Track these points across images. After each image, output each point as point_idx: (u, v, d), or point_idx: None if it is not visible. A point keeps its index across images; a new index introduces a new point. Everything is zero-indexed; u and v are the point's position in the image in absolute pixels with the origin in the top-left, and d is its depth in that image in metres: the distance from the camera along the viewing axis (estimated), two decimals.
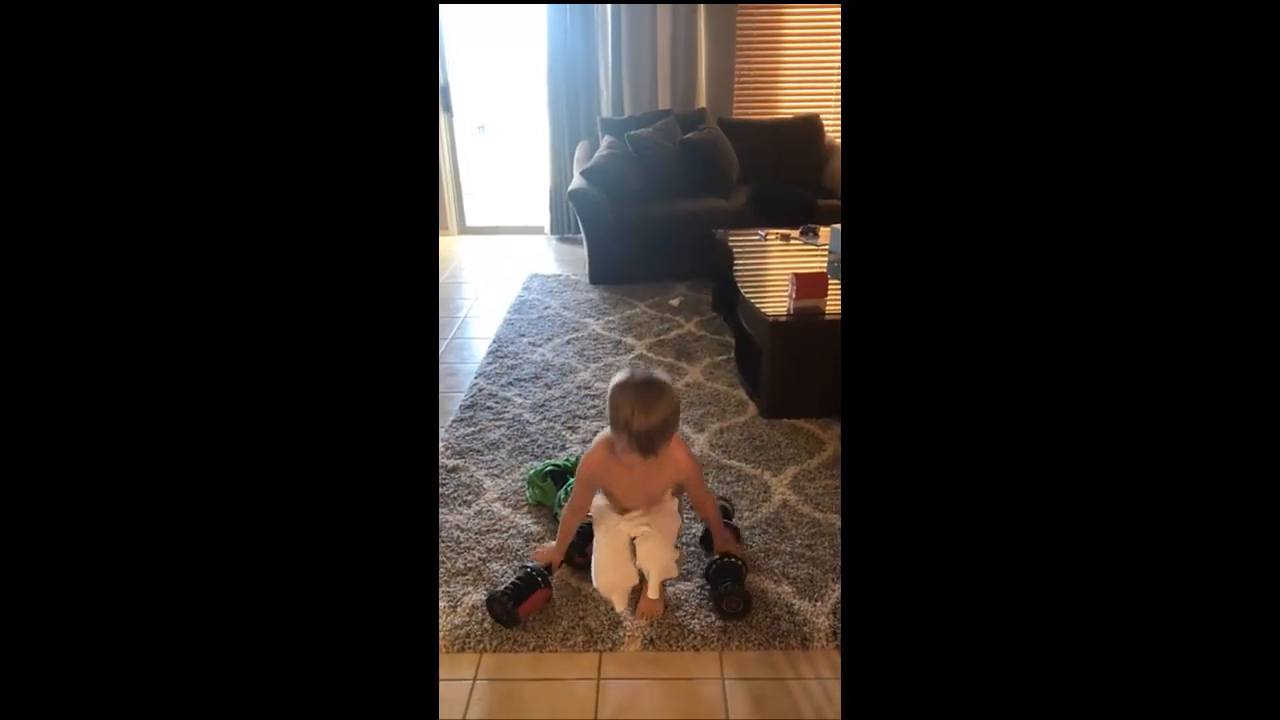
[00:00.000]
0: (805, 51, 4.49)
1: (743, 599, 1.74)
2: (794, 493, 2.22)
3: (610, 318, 3.47)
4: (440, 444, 2.48)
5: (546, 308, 3.58)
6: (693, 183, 3.97)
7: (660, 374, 1.68)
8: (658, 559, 1.74)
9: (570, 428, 2.57)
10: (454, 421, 2.62)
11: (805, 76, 4.54)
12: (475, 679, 1.62)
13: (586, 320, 3.44)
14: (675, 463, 1.71)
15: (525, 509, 2.15)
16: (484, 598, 1.78)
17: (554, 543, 1.87)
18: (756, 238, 3.38)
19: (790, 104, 4.58)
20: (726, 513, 2.04)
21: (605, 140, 4.07)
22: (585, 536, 1.88)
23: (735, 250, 3.20)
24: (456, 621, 1.75)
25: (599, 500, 1.82)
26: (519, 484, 2.25)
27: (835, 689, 1.59)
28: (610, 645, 1.69)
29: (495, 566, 1.92)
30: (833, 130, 4.44)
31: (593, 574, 1.79)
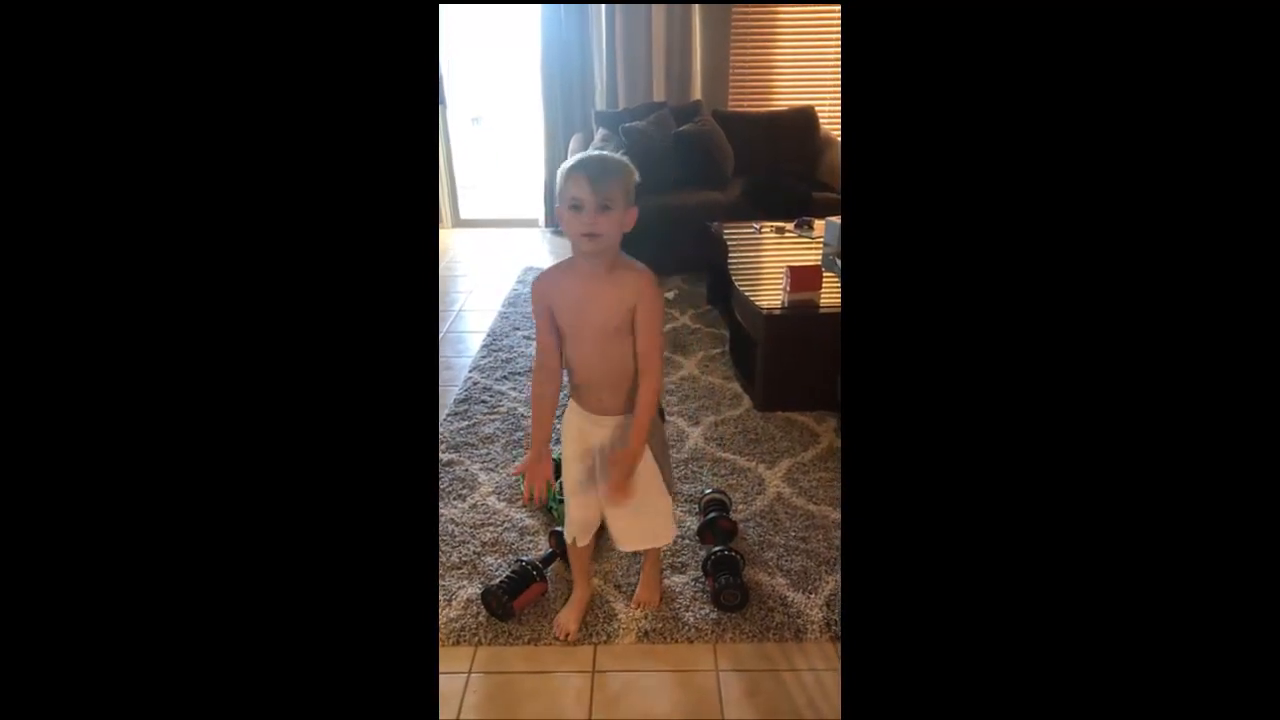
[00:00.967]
0: (800, 44, 4.48)
1: (740, 592, 1.75)
2: (788, 485, 2.22)
3: None
4: None
5: None
6: (688, 175, 3.96)
7: None
8: (637, 533, 1.61)
9: None
10: (448, 415, 2.61)
11: (800, 69, 4.54)
12: (470, 672, 1.62)
13: None
14: (629, 275, 1.39)
15: (520, 503, 2.15)
16: (479, 591, 1.78)
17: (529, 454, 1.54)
18: (751, 230, 3.38)
19: (785, 96, 4.57)
20: (722, 505, 2.05)
21: (600, 133, 4.06)
22: (525, 578, 1.76)
23: (730, 243, 3.20)
24: (451, 615, 1.75)
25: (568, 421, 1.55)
26: (514, 478, 2.25)
27: (829, 680, 1.60)
28: (605, 638, 1.70)
29: (490, 560, 1.92)
30: (828, 123, 4.44)
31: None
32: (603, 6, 4.21)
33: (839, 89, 4.52)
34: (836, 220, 3.13)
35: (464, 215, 5.00)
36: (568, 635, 1.68)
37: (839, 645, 1.68)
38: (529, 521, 2.07)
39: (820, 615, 1.74)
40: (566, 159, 1.39)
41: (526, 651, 1.67)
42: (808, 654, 1.66)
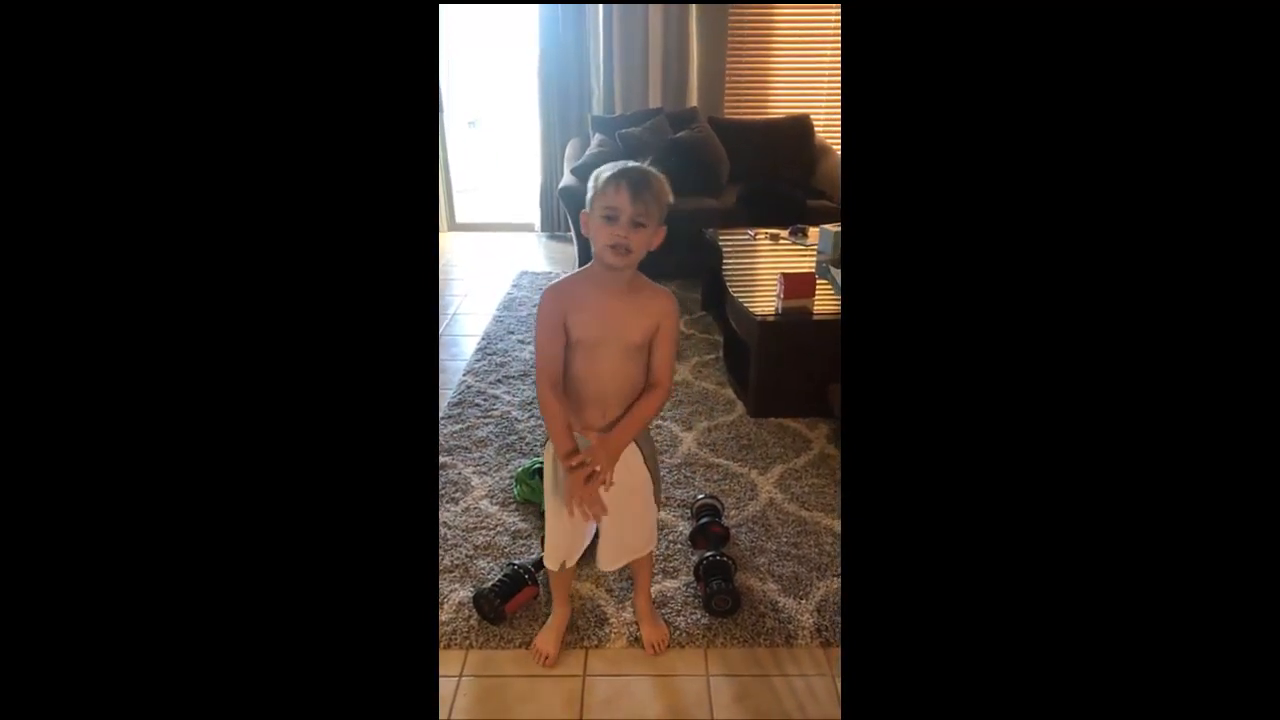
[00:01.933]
0: (797, 52, 4.51)
1: (732, 597, 1.76)
2: (780, 491, 2.23)
3: None
4: None
5: (536, 305, 3.57)
6: (683, 182, 3.94)
7: None
8: (626, 547, 1.57)
9: None
10: (442, 418, 2.61)
11: (796, 77, 4.56)
12: (461, 675, 1.63)
13: None
14: (655, 297, 1.39)
15: (513, 506, 2.16)
16: (471, 595, 1.79)
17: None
18: (746, 237, 3.39)
19: (781, 104, 4.59)
20: (715, 510, 2.05)
21: (596, 138, 4.08)
22: (517, 582, 1.76)
23: (724, 249, 3.21)
24: (443, 618, 1.75)
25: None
26: (507, 481, 2.26)
27: (819, 685, 1.61)
28: (596, 642, 1.70)
29: (482, 564, 1.93)
30: (823, 131, 4.46)
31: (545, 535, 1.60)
32: (600, 10, 4.23)
33: (834, 97, 4.55)
34: (830, 228, 3.14)
35: (459, 219, 5.00)
36: (547, 659, 1.64)
37: (829, 651, 1.68)
38: (521, 525, 2.07)
39: (811, 621, 1.75)
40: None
41: (518, 655, 1.67)
42: (798, 659, 1.67)
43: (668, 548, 1.99)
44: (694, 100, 4.43)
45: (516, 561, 1.85)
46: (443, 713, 1.54)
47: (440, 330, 3.41)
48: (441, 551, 1.97)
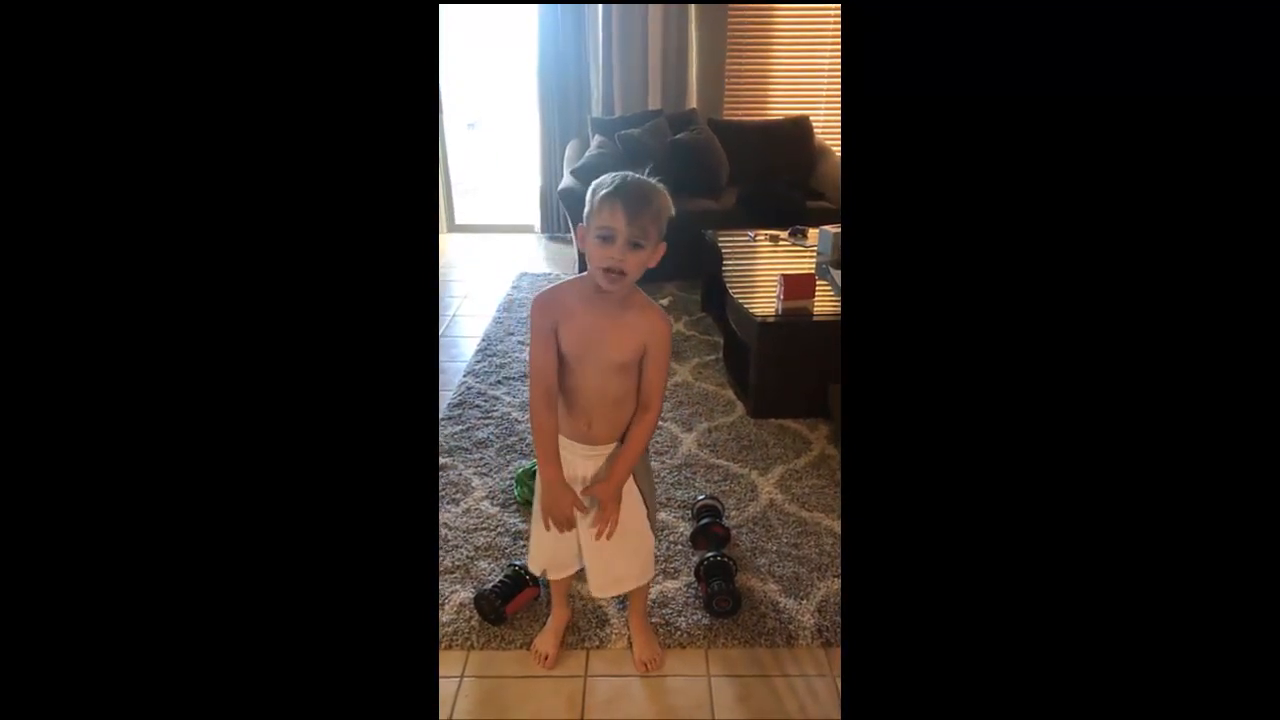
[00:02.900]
0: (796, 53, 4.51)
1: (733, 598, 1.76)
2: (781, 492, 2.23)
3: None
4: None
5: None
6: (682, 183, 3.97)
7: None
8: (617, 576, 1.55)
9: None
10: (443, 419, 2.62)
11: (796, 78, 4.57)
12: (463, 676, 1.63)
13: None
14: (645, 316, 1.33)
15: (513, 508, 2.16)
16: (471, 596, 1.79)
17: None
18: (745, 238, 3.39)
19: (780, 105, 4.60)
20: (715, 511, 2.05)
21: (596, 140, 4.08)
22: (517, 583, 1.76)
23: (724, 251, 3.21)
24: (444, 619, 1.75)
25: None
26: (507, 483, 2.26)
27: (820, 686, 1.61)
28: (598, 643, 1.70)
29: (483, 565, 1.93)
30: (822, 133, 4.46)
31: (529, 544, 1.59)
32: (599, 11, 4.23)
33: (834, 98, 4.55)
34: (830, 229, 3.15)
35: (459, 220, 5.00)
36: (546, 659, 1.64)
37: (830, 651, 1.69)
38: (522, 526, 2.07)
39: (812, 621, 1.75)
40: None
41: (519, 656, 1.67)
42: (799, 660, 1.67)
43: (668, 549, 1.99)
44: (693, 102, 4.44)
45: (517, 562, 1.85)
46: (444, 713, 1.54)
47: (440, 332, 3.41)
48: (442, 552, 1.97)
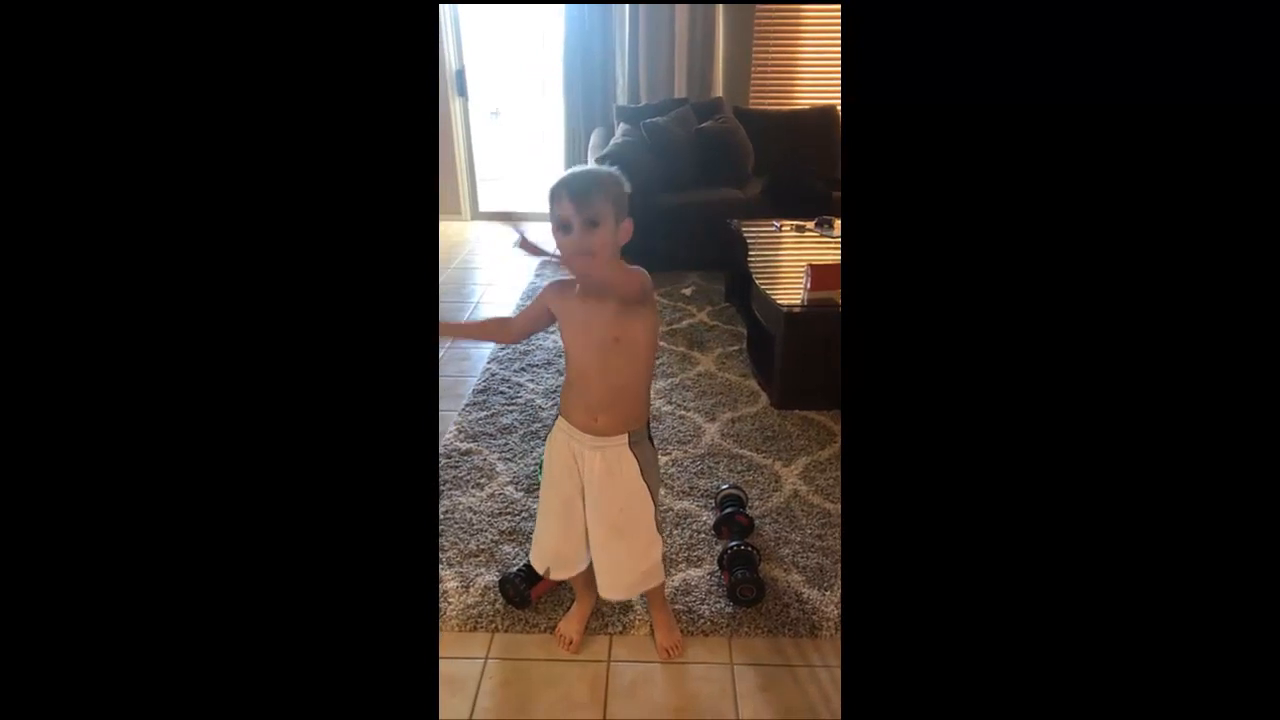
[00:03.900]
0: (823, 43, 4.47)
1: (756, 586, 1.76)
2: (805, 483, 2.23)
3: None
4: (453, 427, 2.50)
5: None
6: (708, 172, 3.96)
7: None
8: (626, 579, 1.55)
9: None
10: (467, 405, 2.63)
11: (823, 68, 4.52)
12: (487, 658, 1.64)
13: None
14: (626, 276, 1.34)
15: (537, 492, 2.17)
16: (496, 579, 1.80)
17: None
18: (771, 228, 3.37)
19: (807, 95, 4.56)
20: (739, 500, 2.05)
21: (621, 128, 4.07)
22: (531, 577, 1.74)
23: (750, 240, 3.20)
24: (469, 601, 1.77)
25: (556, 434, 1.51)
26: (531, 468, 2.27)
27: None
28: (621, 628, 1.71)
29: (507, 549, 1.94)
30: None
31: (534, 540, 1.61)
32: (626, 4, 4.21)
33: None
34: None
35: (483, 208, 5.02)
36: (570, 643, 1.66)
37: None
38: None
39: (835, 612, 1.74)
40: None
41: (543, 639, 1.69)
42: (822, 650, 1.67)
43: (691, 537, 1.99)
44: (719, 90, 4.41)
45: None
46: (469, 694, 1.56)
47: (464, 319, 3.43)
48: (467, 536, 1.99)
